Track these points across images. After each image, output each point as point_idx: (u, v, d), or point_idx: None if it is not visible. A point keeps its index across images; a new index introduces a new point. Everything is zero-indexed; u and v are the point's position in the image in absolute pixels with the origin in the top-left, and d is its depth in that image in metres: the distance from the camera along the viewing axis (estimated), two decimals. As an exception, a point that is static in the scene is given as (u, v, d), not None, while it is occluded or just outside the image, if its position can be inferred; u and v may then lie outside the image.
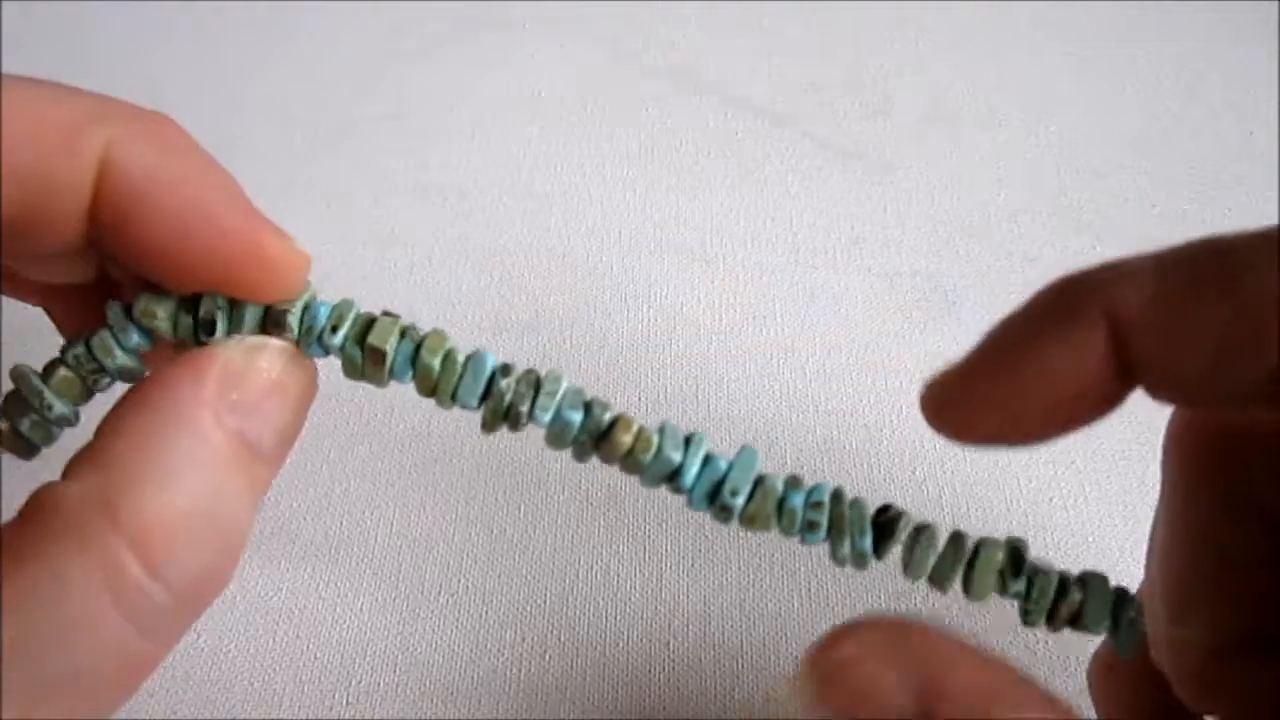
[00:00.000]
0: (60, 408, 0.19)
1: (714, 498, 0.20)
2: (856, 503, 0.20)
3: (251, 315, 0.19)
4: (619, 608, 0.28)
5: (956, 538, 0.20)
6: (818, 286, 0.35)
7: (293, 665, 0.27)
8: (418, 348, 0.20)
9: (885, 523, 0.20)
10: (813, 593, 0.28)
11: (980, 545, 0.20)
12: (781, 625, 0.28)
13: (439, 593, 0.28)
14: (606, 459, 0.20)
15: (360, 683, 0.27)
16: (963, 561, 0.19)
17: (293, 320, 0.19)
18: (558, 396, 0.20)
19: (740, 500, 0.20)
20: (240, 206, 0.19)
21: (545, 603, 0.28)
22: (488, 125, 0.40)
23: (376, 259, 0.36)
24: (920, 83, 0.42)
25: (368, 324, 0.20)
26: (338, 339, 0.20)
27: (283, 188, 0.37)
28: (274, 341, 0.19)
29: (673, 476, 0.20)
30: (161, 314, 0.19)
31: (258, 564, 0.29)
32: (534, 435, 0.31)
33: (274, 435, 0.19)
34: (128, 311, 0.19)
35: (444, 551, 0.29)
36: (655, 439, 0.20)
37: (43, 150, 0.17)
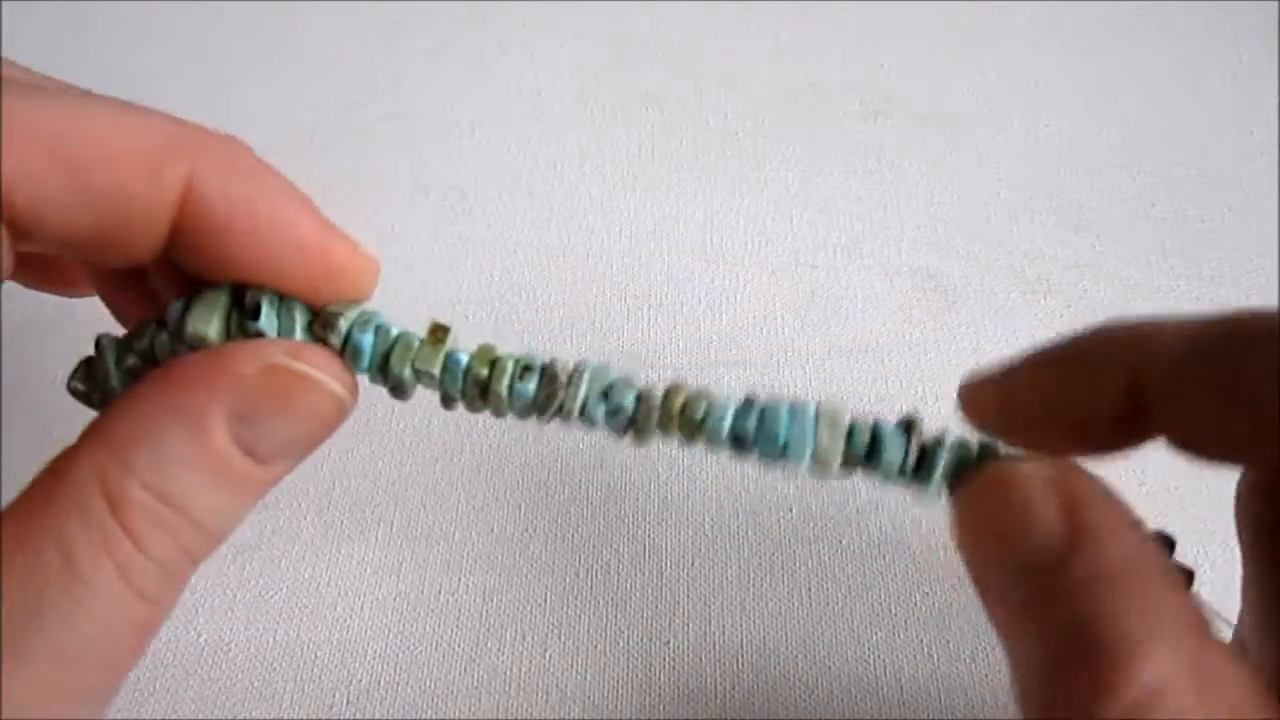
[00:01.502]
0: (119, 387, 0.20)
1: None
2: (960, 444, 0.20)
3: (301, 316, 0.20)
4: (619, 607, 0.28)
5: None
6: (818, 286, 0.35)
7: (293, 665, 0.27)
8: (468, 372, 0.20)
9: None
10: (813, 593, 0.28)
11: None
12: (782, 625, 0.28)
13: (439, 592, 0.28)
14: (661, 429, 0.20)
15: (360, 682, 0.27)
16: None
17: (344, 324, 0.20)
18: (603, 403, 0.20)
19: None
20: (311, 219, 0.19)
21: (545, 602, 0.28)
22: (488, 125, 0.40)
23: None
24: (920, 83, 0.42)
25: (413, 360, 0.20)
26: (395, 365, 0.20)
27: (283, 187, 0.37)
28: (309, 353, 0.19)
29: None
30: (213, 334, 0.19)
31: (258, 564, 0.29)
32: (533, 436, 0.31)
33: (282, 448, 0.19)
34: (180, 329, 0.20)
35: (444, 551, 0.29)
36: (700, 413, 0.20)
37: (124, 176, 0.18)
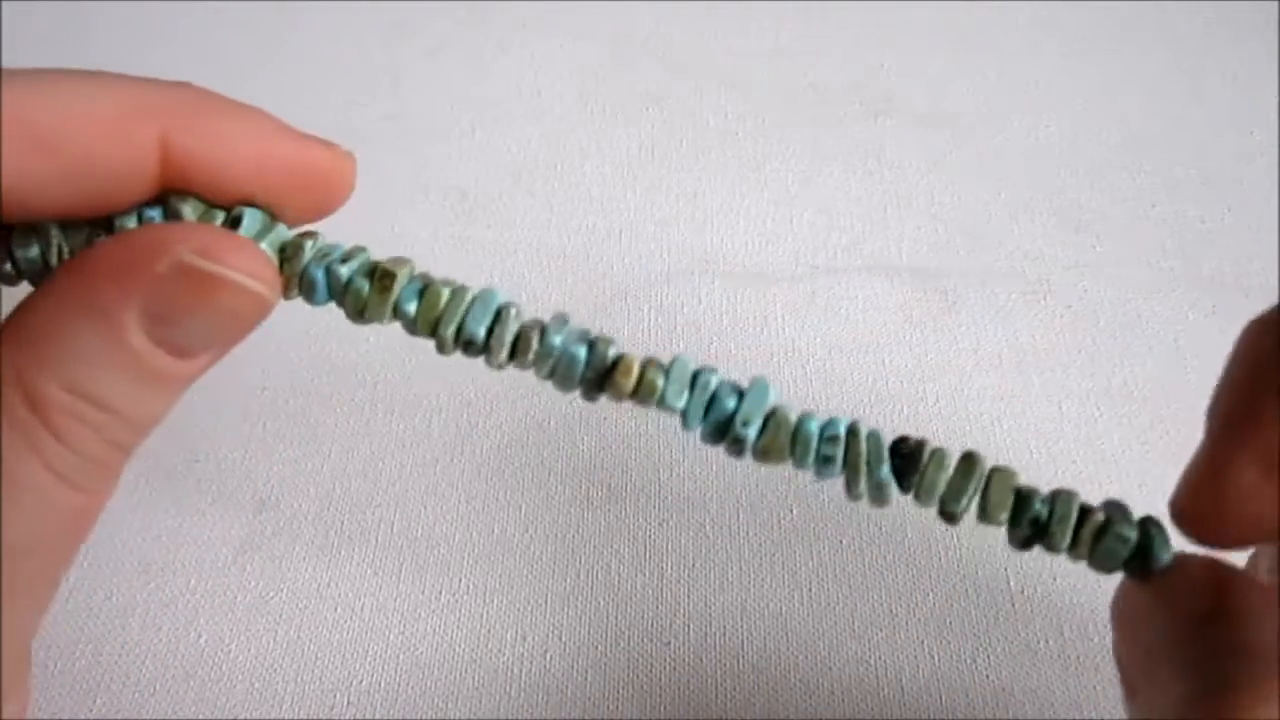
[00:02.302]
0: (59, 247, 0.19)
1: (725, 431, 0.19)
2: (874, 435, 0.19)
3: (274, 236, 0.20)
4: (619, 608, 0.28)
5: (969, 457, 0.19)
6: (818, 286, 0.35)
7: (293, 665, 0.27)
8: (425, 286, 0.20)
9: (906, 454, 0.19)
10: (813, 593, 0.28)
11: (995, 468, 0.19)
12: (782, 625, 0.28)
13: (439, 593, 0.28)
14: (614, 397, 0.20)
15: (360, 683, 0.27)
16: (976, 478, 0.19)
17: (303, 258, 0.20)
18: (564, 331, 0.19)
19: (752, 431, 0.19)
20: (286, 140, 0.20)
21: (546, 602, 0.28)
22: (488, 125, 0.40)
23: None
24: (920, 83, 0.42)
25: (375, 265, 0.20)
26: (347, 269, 0.20)
27: (283, 188, 0.37)
28: (224, 248, 0.19)
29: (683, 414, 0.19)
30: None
31: (258, 564, 0.29)
32: (533, 436, 0.31)
33: (202, 343, 0.19)
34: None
35: (444, 551, 0.29)
36: (660, 382, 0.19)
37: (96, 146, 0.18)
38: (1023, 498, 0.19)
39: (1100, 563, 0.19)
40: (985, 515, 0.19)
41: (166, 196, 0.19)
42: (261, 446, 0.31)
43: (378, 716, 0.26)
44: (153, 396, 0.19)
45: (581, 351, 0.19)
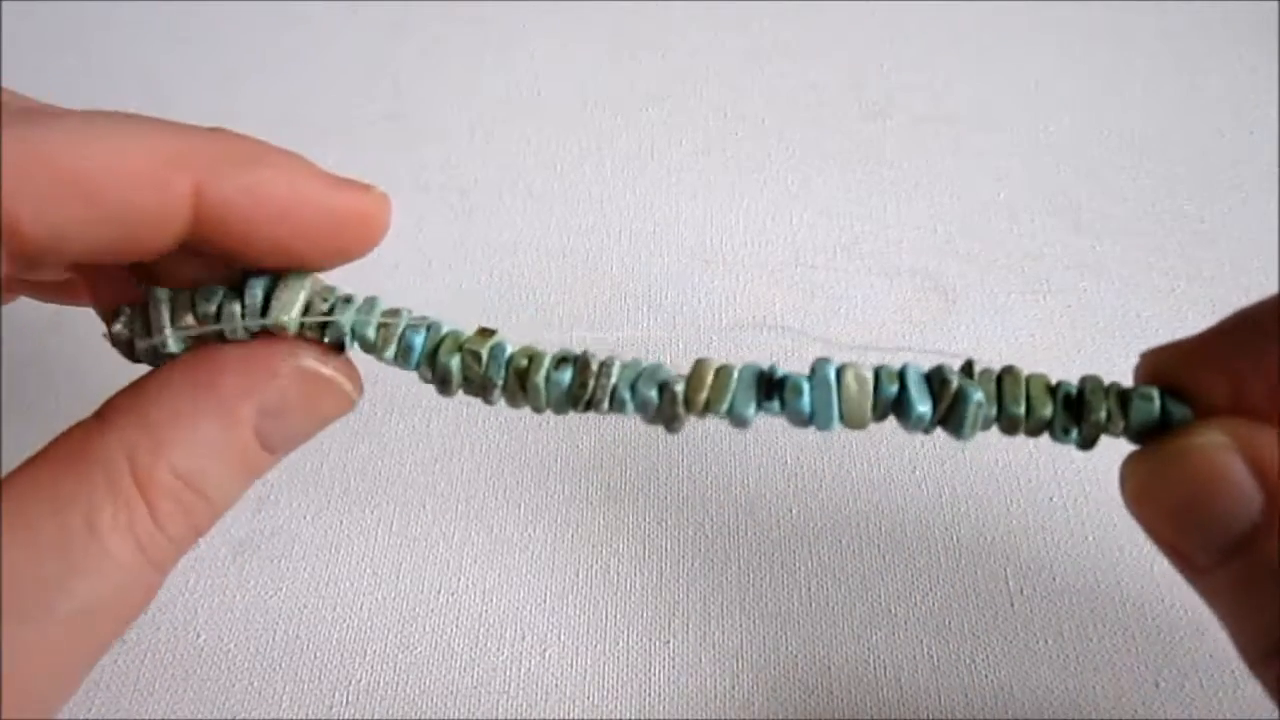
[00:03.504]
0: (172, 345, 0.20)
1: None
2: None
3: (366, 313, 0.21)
4: (618, 607, 0.28)
5: (1008, 369, 0.20)
6: (817, 286, 0.35)
7: (292, 665, 0.27)
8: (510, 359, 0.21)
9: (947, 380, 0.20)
10: (813, 593, 0.28)
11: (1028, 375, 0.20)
12: (781, 625, 0.28)
13: (439, 592, 0.28)
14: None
15: (359, 681, 0.27)
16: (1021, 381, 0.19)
17: (399, 326, 0.21)
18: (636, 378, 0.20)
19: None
20: (318, 185, 0.20)
21: (545, 602, 0.28)
22: (488, 125, 0.40)
23: (376, 258, 0.36)
24: (920, 83, 0.42)
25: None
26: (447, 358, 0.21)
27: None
28: (332, 358, 0.21)
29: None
30: (292, 318, 0.20)
31: (257, 564, 0.29)
32: (533, 436, 0.31)
33: (289, 441, 0.20)
34: (263, 309, 0.20)
35: (444, 551, 0.29)
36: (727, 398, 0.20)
37: (133, 193, 0.18)
38: (1054, 387, 0.20)
39: (1137, 425, 0.19)
40: (1031, 410, 0.19)
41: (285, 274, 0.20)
42: (261, 446, 0.31)
43: (377, 716, 0.26)
44: (240, 487, 0.20)
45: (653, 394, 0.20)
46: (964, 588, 0.28)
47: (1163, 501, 0.17)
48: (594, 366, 0.20)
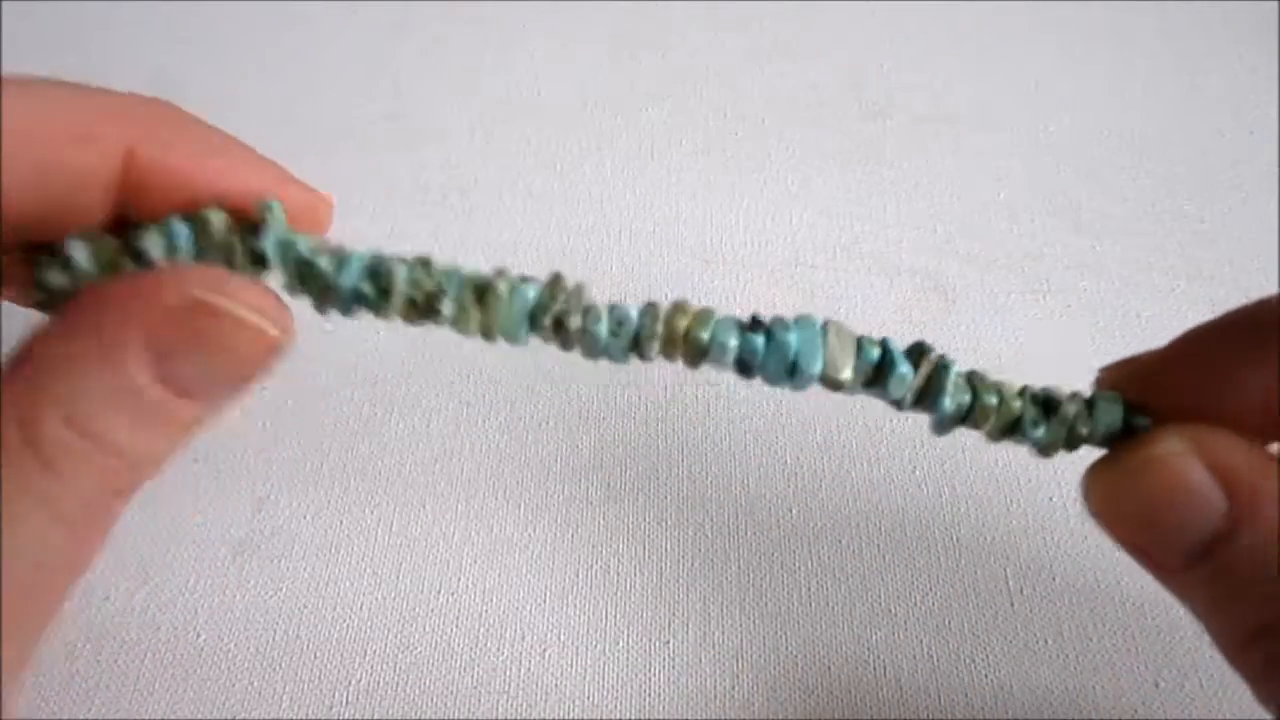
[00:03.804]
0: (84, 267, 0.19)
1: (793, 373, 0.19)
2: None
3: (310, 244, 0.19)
4: (618, 607, 0.28)
5: (974, 374, 0.20)
6: (817, 286, 0.35)
7: (292, 664, 0.27)
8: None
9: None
10: (813, 592, 0.28)
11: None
12: (781, 625, 0.28)
13: (439, 592, 0.28)
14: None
15: (359, 681, 0.27)
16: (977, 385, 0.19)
17: (272, 253, 0.19)
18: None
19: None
20: (264, 173, 0.20)
21: (545, 602, 0.28)
22: (488, 125, 0.40)
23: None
24: (920, 83, 0.42)
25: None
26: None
27: (283, 187, 0.37)
28: (238, 287, 0.18)
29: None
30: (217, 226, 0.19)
31: (257, 564, 0.29)
32: (533, 436, 0.31)
33: (207, 384, 0.18)
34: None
35: (444, 551, 0.29)
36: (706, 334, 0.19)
37: (57, 151, 0.18)
38: (1023, 389, 0.20)
39: (1102, 428, 0.19)
40: (1003, 400, 0.19)
41: (200, 211, 0.19)
42: (261, 446, 0.31)
43: (376, 715, 0.26)
44: (154, 437, 0.18)
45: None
46: (964, 587, 0.28)
47: (1130, 511, 0.18)
48: (567, 284, 0.19)
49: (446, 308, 0.19)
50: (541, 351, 0.33)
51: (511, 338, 0.19)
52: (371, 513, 0.30)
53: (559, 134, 0.40)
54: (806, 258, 0.36)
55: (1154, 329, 0.34)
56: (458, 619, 0.28)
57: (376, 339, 0.33)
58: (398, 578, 0.28)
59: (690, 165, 0.39)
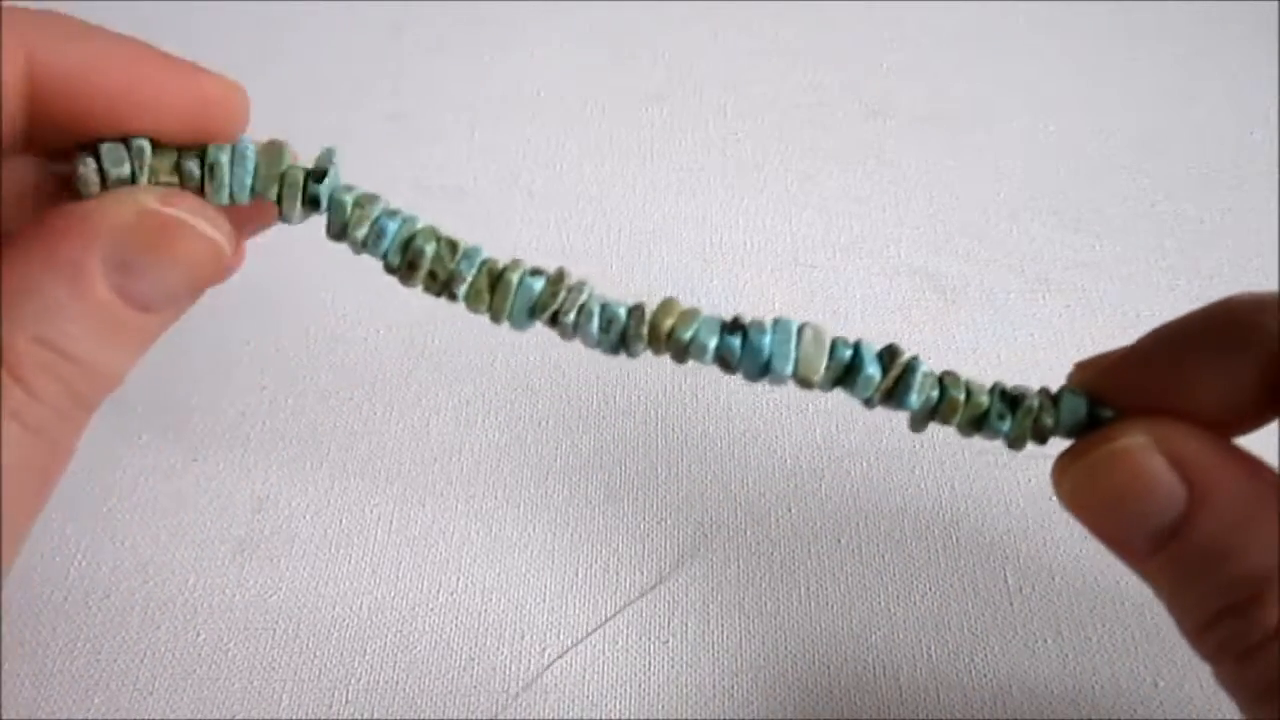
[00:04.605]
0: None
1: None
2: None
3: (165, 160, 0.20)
4: (617, 606, 0.28)
5: (948, 374, 0.21)
6: (817, 286, 0.35)
7: (291, 664, 0.27)
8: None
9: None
10: (812, 592, 0.28)
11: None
12: (781, 624, 0.28)
13: (437, 591, 0.28)
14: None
15: (359, 681, 0.27)
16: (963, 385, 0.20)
17: (220, 159, 0.20)
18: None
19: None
20: (165, 64, 0.20)
21: (544, 600, 0.28)
22: (488, 125, 0.40)
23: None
24: (920, 83, 0.42)
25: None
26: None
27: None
28: (181, 199, 0.20)
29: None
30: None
31: (256, 563, 0.29)
32: (533, 436, 0.31)
33: (161, 296, 0.19)
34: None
35: (443, 549, 0.29)
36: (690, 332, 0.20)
37: None
38: (992, 386, 0.21)
39: (1067, 421, 0.20)
40: (970, 395, 0.20)
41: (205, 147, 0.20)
42: (260, 446, 0.31)
43: (377, 715, 0.26)
44: (116, 349, 0.19)
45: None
46: (963, 587, 0.28)
47: (1096, 502, 0.19)
48: (569, 280, 0.21)
49: (461, 290, 0.21)
50: (541, 351, 0.33)
51: (516, 324, 0.21)
52: (371, 512, 0.30)
53: (559, 134, 0.40)
54: (806, 257, 0.36)
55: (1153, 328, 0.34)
56: (457, 618, 0.28)
57: (376, 339, 0.33)
58: (397, 577, 0.28)
59: (690, 165, 0.39)
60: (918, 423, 0.21)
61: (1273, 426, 0.18)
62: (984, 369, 0.33)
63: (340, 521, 0.30)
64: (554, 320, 0.21)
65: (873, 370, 0.20)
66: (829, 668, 0.27)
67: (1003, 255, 0.36)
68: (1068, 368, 0.21)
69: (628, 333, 0.21)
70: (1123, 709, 0.26)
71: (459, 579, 0.28)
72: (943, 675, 0.27)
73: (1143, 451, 0.18)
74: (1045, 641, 0.27)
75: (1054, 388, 0.20)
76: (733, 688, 0.27)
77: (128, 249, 0.19)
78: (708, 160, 0.39)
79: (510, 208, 0.37)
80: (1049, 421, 0.20)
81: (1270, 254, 0.36)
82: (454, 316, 0.34)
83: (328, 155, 0.21)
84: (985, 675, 0.27)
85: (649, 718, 0.26)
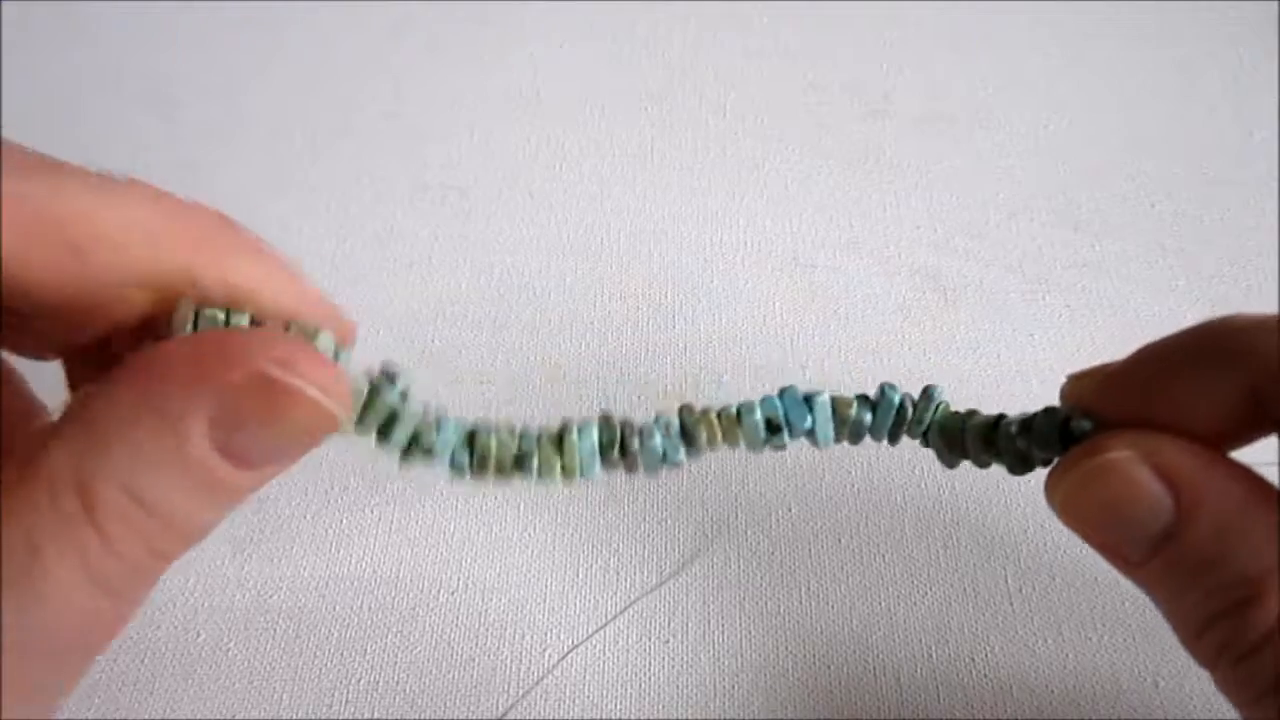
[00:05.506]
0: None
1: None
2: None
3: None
4: (617, 606, 0.28)
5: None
6: (817, 285, 0.35)
7: (291, 664, 0.27)
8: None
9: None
10: (813, 592, 0.28)
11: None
12: (782, 624, 0.28)
13: (439, 591, 0.28)
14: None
15: (359, 682, 0.27)
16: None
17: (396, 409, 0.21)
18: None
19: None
20: (305, 296, 0.20)
21: (545, 600, 0.28)
22: (488, 125, 0.40)
23: (376, 258, 0.36)
24: (920, 83, 0.42)
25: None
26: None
27: (282, 187, 0.37)
28: (302, 361, 0.18)
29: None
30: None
31: (256, 563, 0.29)
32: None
33: (267, 456, 0.18)
34: None
35: (443, 549, 0.29)
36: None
37: (126, 258, 0.18)
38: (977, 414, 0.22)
39: (1042, 435, 0.20)
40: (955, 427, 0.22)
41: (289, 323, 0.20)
42: (261, 445, 0.31)
43: (377, 715, 0.26)
44: (207, 506, 0.18)
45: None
46: (964, 587, 0.28)
47: (1087, 512, 0.19)
48: (614, 416, 0.21)
49: (533, 464, 0.21)
50: (541, 350, 0.33)
51: (586, 473, 0.21)
52: (371, 512, 0.30)
53: (559, 134, 0.40)
54: (806, 257, 0.36)
55: (1154, 328, 0.33)
56: (457, 618, 0.28)
57: (376, 339, 0.33)
58: (398, 576, 0.28)
59: (690, 165, 0.39)
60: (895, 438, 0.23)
61: (1273, 439, 0.18)
62: (984, 368, 0.33)
63: (340, 521, 0.30)
64: (623, 451, 0.21)
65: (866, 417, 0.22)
66: (829, 667, 0.27)
67: (1003, 255, 0.36)
68: (1067, 367, 0.21)
69: (687, 428, 0.21)
70: (1123, 709, 0.26)
71: (459, 579, 0.28)
72: (943, 675, 0.27)
73: (1128, 463, 0.18)
74: (1045, 641, 0.27)
75: (1039, 405, 0.21)
76: (733, 688, 0.27)
77: (235, 412, 0.17)
78: (708, 160, 0.39)
79: (510, 207, 0.37)
80: (1023, 445, 0.21)
81: (1270, 254, 0.36)
82: (454, 316, 0.35)
83: (392, 369, 0.21)
84: (986, 675, 0.27)
85: (649, 718, 0.26)
